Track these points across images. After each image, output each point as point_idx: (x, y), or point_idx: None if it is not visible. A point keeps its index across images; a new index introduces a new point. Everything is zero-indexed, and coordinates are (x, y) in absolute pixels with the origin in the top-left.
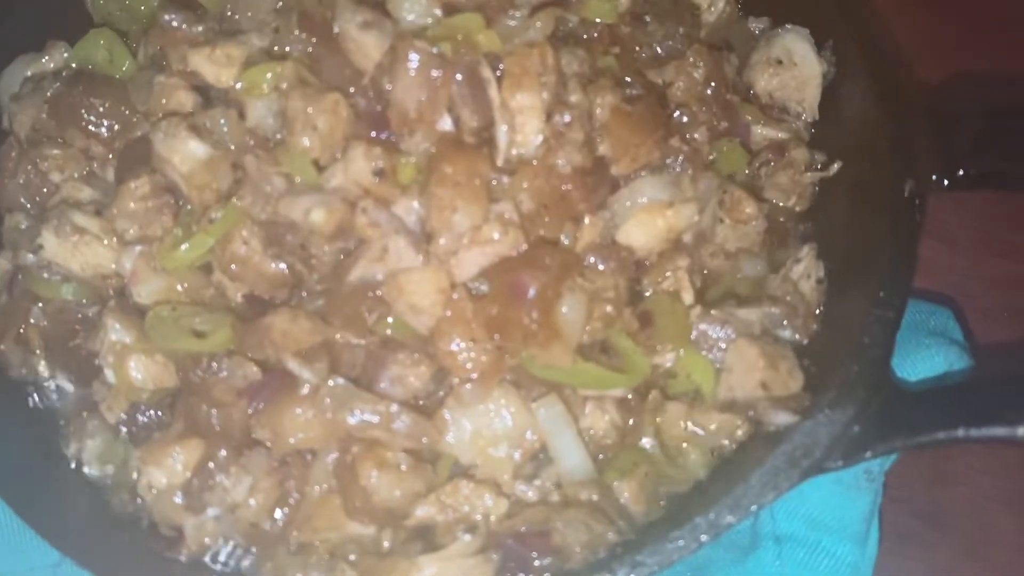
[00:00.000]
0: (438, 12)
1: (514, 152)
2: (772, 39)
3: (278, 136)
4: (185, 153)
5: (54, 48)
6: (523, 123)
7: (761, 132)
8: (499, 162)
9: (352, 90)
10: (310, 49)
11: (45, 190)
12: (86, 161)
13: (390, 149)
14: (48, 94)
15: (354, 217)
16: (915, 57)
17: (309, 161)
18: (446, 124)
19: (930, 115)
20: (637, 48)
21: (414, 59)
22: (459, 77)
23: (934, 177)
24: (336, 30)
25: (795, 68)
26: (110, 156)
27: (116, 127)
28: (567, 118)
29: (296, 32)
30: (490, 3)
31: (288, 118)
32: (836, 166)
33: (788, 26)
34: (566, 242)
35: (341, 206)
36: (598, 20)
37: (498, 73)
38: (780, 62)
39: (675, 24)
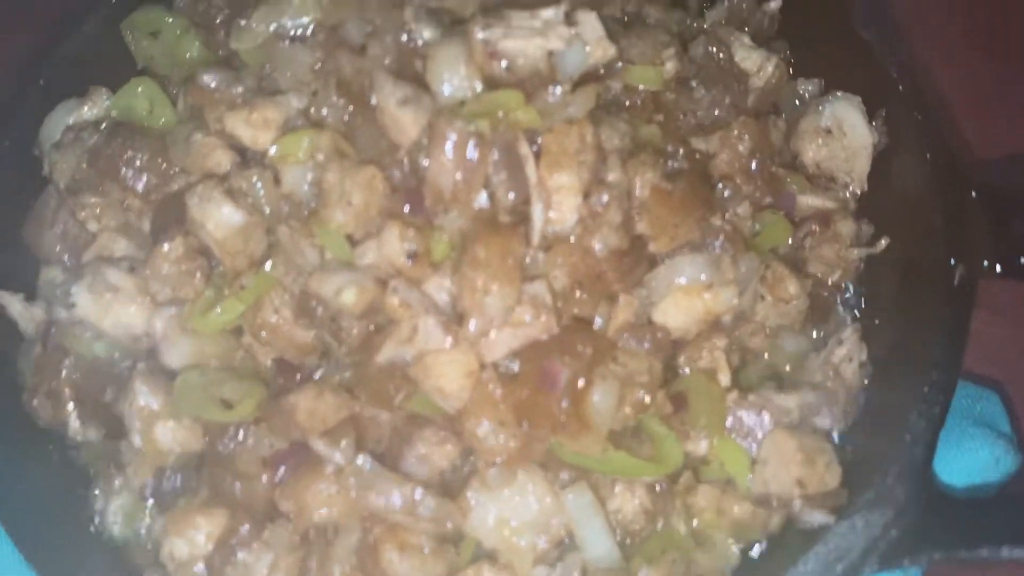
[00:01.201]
0: (478, 85)
1: (549, 231)
2: (822, 106)
3: (312, 204)
4: (219, 219)
5: (96, 94)
6: (560, 202)
7: (807, 201)
8: (534, 241)
9: (387, 161)
10: (346, 117)
11: (82, 240)
12: (123, 212)
13: (423, 229)
14: (88, 145)
15: (385, 296)
16: (978, 128)
17: (343, 236)
18: (481, 200)
19: (987, 194)
20: (682, 116)
21: (451, 139)
22: (496, 154)
23: (986, 263)
24: (374, 102)
25: (844, 138)
26: (147, 209)
27: (153, 181)
28: (604, 198)
29: (334, 98)
30: (531, 79)
31: (323, 190)
32: (884, 242)
33: (839, 93)
34: (600, 321)
35: (372, 286)
36: (642, 87)
37: (535, 148)
38: (829, 131)
39: (722, 91)
